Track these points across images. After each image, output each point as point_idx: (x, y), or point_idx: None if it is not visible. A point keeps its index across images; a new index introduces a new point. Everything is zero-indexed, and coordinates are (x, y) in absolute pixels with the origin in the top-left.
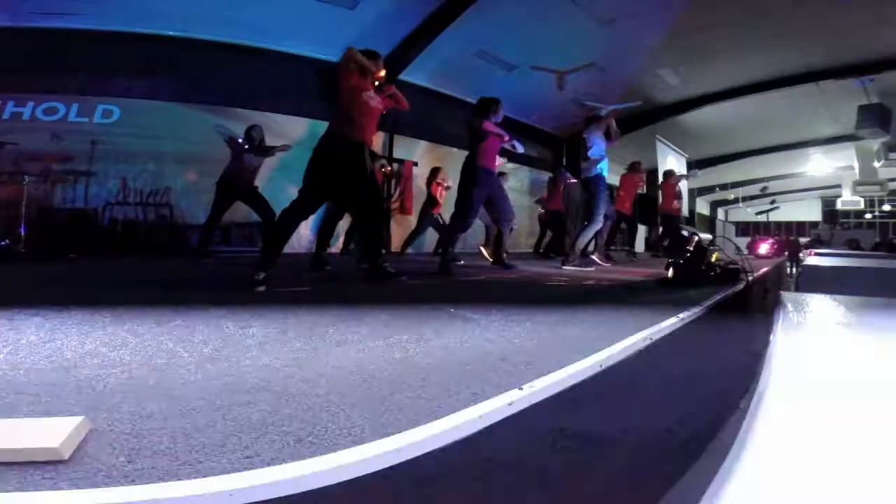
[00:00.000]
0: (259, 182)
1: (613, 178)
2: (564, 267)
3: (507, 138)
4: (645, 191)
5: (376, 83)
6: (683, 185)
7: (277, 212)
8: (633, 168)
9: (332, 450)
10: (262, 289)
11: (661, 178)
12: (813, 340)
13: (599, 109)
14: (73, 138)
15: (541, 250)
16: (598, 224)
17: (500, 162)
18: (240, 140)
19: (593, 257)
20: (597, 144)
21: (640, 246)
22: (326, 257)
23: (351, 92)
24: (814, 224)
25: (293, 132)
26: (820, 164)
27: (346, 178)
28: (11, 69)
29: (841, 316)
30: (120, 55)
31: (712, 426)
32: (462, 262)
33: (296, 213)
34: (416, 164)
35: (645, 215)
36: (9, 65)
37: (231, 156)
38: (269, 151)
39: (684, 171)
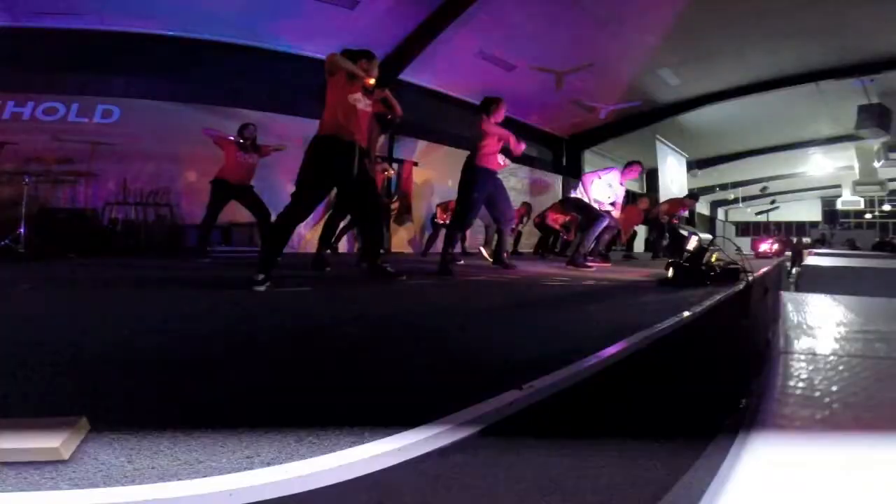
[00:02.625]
0: (259, 182)
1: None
2: (567, 267)
3: (509, 136)
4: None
5: (366, 88)
6: (681, 185)
7: (273, 211)
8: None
9: (332, 450)
10: (261, 288)
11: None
12: (813, 341)
13: (599, 110)
14: (73, 138)
15: (542, 251)
16: (603, 223)
17: (504, 163)
18: (231, 138)
19: (591, 259)
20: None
21: (639, 247)
22: (328, 257)
23: (336, 95)
24: (814, 224)
25: (292, 132)
26: (820, 164)
27: (339, 181)
28: (11, 69)
29: (841, 316)
30: (120, 55)
31: (712, 427)
32: (462, 261)
33: (292, 217)
34: (416, 164)
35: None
36: (9, 65)
37: (225, 155)
38: (263, 150)
39: (684, 171)
